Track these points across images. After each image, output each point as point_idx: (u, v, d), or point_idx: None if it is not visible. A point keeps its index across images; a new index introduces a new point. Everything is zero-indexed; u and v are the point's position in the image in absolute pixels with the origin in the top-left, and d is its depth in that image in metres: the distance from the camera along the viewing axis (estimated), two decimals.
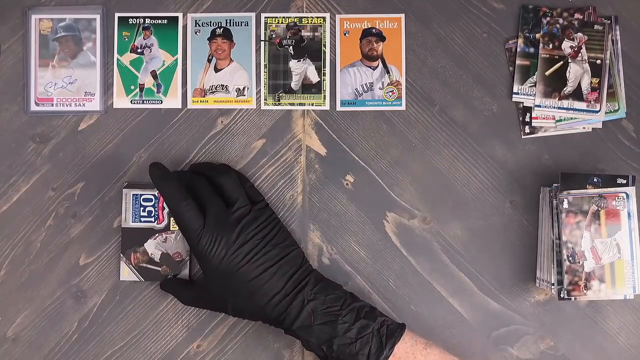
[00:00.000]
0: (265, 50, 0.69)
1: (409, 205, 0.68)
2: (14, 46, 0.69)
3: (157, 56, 0.69)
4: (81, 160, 0.69)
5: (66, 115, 0.68)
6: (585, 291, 0.62)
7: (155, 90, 0.69)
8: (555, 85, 0.68)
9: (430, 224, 0.68)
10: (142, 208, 0.67)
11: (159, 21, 0.69)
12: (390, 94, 0.68)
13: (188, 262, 0.68)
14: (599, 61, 0.67)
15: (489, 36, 0.69)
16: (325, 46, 0.68)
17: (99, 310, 0.68)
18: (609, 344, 0.67)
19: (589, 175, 0.64)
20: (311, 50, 0.69)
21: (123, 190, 0.68)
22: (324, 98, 0.69)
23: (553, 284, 0.64)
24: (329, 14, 0.69)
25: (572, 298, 0.63)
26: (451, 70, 0.69)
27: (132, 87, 0.69)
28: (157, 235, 0.68)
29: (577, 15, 0.68)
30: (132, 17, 0.69)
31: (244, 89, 0.68)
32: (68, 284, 0.68)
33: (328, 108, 0.68)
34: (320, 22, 0.68)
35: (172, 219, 0.67)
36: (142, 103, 0.69)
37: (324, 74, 0.69)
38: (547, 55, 0.68)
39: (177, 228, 0.67)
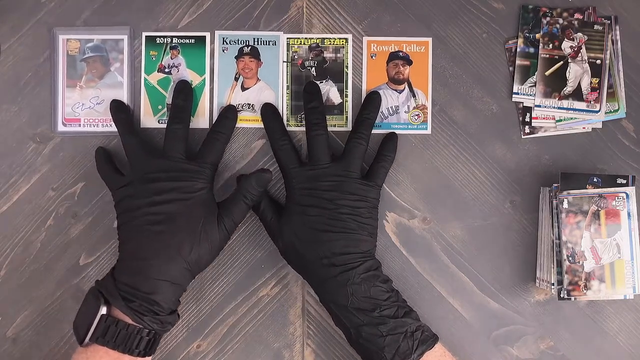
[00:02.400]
0: (287, 72, 0.68)
1: (409, 205, 0.68)
2: (14, 46, 0.69)
3: (184, 76, 0.68)
4: (81, 160, 0.69)
5: (94, 135, 0.68)
6: (585, 291, 0.62)
7: None
8: (555, 85, 0.68)
9: (430, 224, 0.68)
10: None
11: (187, 40, 0.68)
12: (416, 117, 0.68)
13: None
14: (598, 61, 0.67)
15: (489, 36, 0.69)
16: (347, 67, 0.68)
17: None
18: (608, 344, 0.67)
19: (589, 175, 0.64)
20: (333, 71, 0.68)
21: None
22: (346, 119, 0.68)
23: (553, 284, 0.64)
24: (351, 35, 0.68)
25: (572, 298, 0.63)
26: (451, 70, 0.69)
27: (160, 107, 0.68)
28: None
29: (577, 15, 0.68)
30: (160, 37, 0.68)
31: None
32: (68, 284, 0.68)
33: (350, 129, 0.68)
34: (343, 44, 0.68)
35: None
36: None
37: (346, 95, 0.68)
38: (547, 55, 0.68)
39: None
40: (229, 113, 0.67)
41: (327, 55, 0.68)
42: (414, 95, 0.68)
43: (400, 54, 0.68)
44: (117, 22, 0.69)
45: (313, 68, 0.68)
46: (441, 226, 0.68)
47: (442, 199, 0.68)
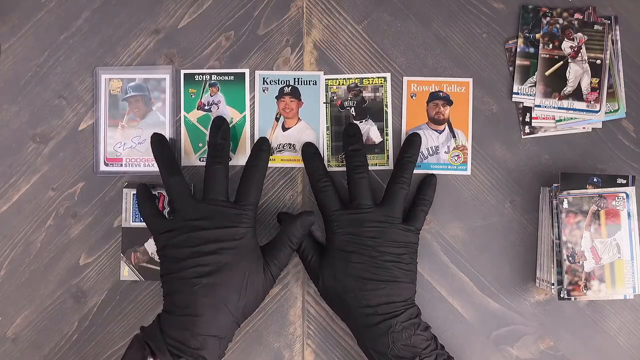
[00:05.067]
0: (327, 113, 0.68)
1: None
2: (14, 46, 0.69)
3: (224, 113, 0.68)
4: (81, 160, 0.69)
5: (134, 174, 0.68)
6: (585, 291, 0.62)
7: None
8: (555, 85, 0.68)
9: (430, 224, 0.68)
10: None
11: (226, 77, 0.68)
12: (456, 158, 0.68)
13: None
14: (598, 61, 0.67)
15: (489, 36, 0.69)
16: (387, 106, 0.68)
17: (99, 310, 0.68)
18: (608, 344, 0.67)
19: (589, 175, 0.64)
20: (373, 110, 0.68)
21: (123, 190, 0.68)
22: (387, 158, 0.68)
23: (553, 284, 0.64)
24: (389, 74, 0.68)
25: (572, 298, 0.63)
26: (451, 70, 0.69)
27: (200, 145, 0.68)
28: None
29: (577, 15, 0.68)
30: (198, 74, 0.68)
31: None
32: (68, 284, 0.68)
33: (391, 168, 0.68)
34: (382, 83, 0.68)
35: None
36: None
37: (387, 134, 0.68)
38: (547, 55, 0.68)
39: None
40: (263, 145, 0.65)
41: (366, 94, 0.68)
42: (454, 136, 0.68)
43: (441, 94, 0.68)
44: (117, 22, 0.69)
45: (352, 108, 0.68)
46: (441, 226, 0.68)
47: (442, 199, 0.68)
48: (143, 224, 0.67)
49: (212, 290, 0.59)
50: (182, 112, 0.69)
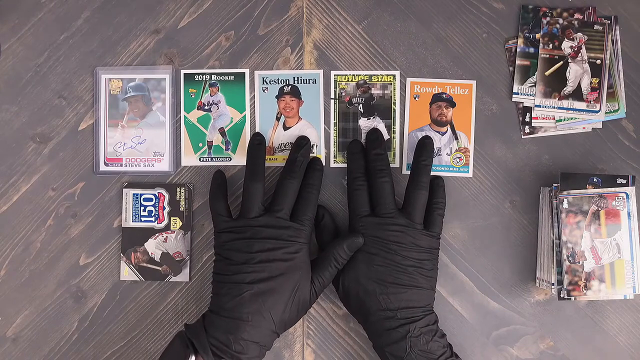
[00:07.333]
0: (335, 108, 0.68)
1: None
2: (14, 46, 0.69)
3: (224, 113, 0.68)
4: (81, 160, 0.69)
5: (133, 174, 0.68)
6: (585, 291, 0.62)
7: (224, 148, 0.68)
8: (555, 85, 0.68)
9: None
10: (142, 208, 0.68)
11: (226, 77, 0.68)
12: (458, 160, 0.68)
13: (188, 261, 0.68)
14: (598, 61, 0.67)
15: (489, 36, 0.69)
16: (395, 104, 0.68)
17: (99, 310, 0.68)
18: (608, 343, 0.67)
19: (589, 175, 0.64)
20: (381, 108, 0.68)
21: (123, 190, 0.68)
22: (394, 156, 0.68)
23: (553, 284, 0.64)
24: (398, 72, 0.68)
25: (572, 298, 0.63)
26: (451, 70, 0.69)
27: (200, 145, 0.68)
28: (157, 234, 0.68)
29: (577, 15, 0.68)
30: (198, 74, 0.68)
31: (312, 146, 0.68)
32: (68, 284, 0.68)
33: (398, 166, 0.68)
34: (390, 80, 0.68)
35: (172, 218, 0.68)
36: (211, 160, 0.68)
37: (394, 132, 0.68)
38: (547, 55, 0.68)
39: (177, 227, 0.68)
40: (317, 164, 0.65)
41: (375, 92, 0.68)
42: (456, 138, 0.68)
43: (444, 95, 0.68)
44: (117, 22, 0.69)
45: (360, 105, 0.68)
46: None
47: None
48: (143, 224, 0.67)
49: (261, 297, 0.60)
50: (182, 112, 0.69)
